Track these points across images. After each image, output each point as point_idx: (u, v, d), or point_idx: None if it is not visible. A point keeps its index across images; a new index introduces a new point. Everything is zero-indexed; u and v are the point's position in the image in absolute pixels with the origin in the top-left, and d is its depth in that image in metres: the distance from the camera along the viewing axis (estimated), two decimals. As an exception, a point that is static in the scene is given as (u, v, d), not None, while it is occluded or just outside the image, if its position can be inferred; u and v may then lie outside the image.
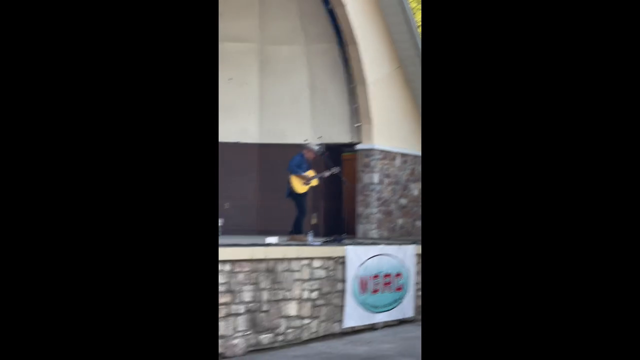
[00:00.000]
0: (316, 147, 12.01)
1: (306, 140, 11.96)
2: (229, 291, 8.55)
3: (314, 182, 11.39)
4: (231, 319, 8.55)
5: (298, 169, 11.13)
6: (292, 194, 11.27)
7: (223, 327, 8.38)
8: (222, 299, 8.37)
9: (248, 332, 8.80)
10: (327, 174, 11.77)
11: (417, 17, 17.79)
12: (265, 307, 9.06)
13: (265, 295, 9.06)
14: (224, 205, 13.26)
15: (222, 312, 8.37)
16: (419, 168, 15.07)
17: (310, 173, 11.23)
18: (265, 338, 9.05)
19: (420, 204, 14.83)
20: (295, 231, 11.27)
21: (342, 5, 13.18)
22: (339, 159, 13.21)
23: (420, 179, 15.18)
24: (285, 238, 10.89)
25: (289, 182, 11.22)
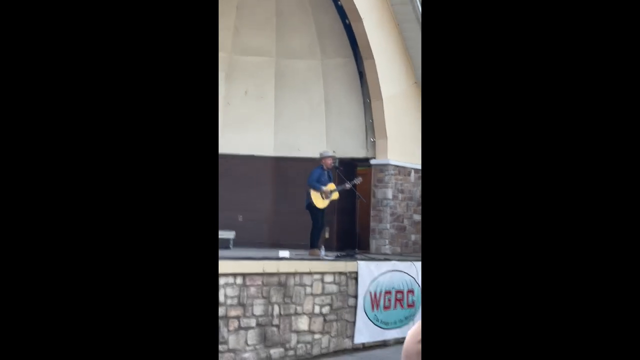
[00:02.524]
0: (332, 152, 12.06)
1: (322, 152, 11.96)
2: (240, 304, 8.57)
3: (335, 196, 11.38)
4: (242, 332, 8.58)
5: (318, 184, 11.12)
6: (310, 207, 11.27)
7: (234, 341, 8.42)
8: (233, 312, 8.43)
9: (258, 346, 8.80)
10: (348, 185, 11.75)
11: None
12: (276, 322, 9.07)
13: (276, 309, 9.07)
14: (238, 217, 13.31)
15: (232, 325, 8.42)
16: None
17: (331, 186, 11.22)
18: (275, 353, 9.04)
19: None
20: (311, 245, 11.29)
21: (359, 20, 13.22)
22: (353, 174, 13.18)
23: None
24: (296, 252, 10.87)
25: (308, 195, 11.25)
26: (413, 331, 1.59)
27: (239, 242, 12.33)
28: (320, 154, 11.76)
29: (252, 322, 8.72)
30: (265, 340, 8.89)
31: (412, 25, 13.96)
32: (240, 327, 8.54)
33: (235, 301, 8.50)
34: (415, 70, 14.49)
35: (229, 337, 8.37)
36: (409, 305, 11.02)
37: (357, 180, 12.13)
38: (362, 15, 13.15)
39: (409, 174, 14.45)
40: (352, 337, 10.06)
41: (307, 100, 14.81)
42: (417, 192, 14.61)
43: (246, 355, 8.57)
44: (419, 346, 1.56)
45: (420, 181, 14.65)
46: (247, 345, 8.62)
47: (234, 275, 8.49)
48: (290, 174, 13.98)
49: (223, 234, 11.09)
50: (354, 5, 13.05)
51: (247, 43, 14.46)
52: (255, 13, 14.37)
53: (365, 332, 10.25)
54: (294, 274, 9.35)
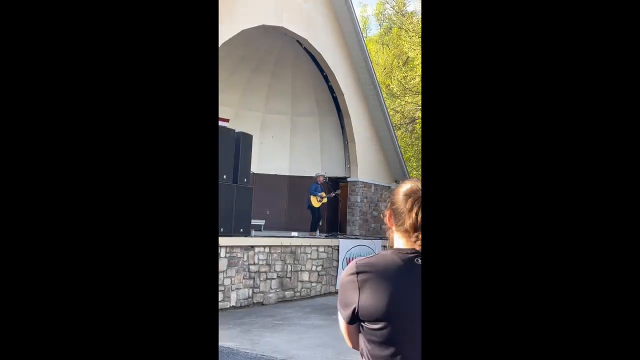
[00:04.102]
0: (323, 173, 12.13)
1: (317, 173, 12.01)
2: (267, 264, 8.53)
3: (325, 200, 11.33)
4: (268, 281, 8.54)
5: (315, 192, 11.09)
6: (310, 207, 11.20)
7: (263, 286, 8.39)
8: (262, 269, 8.42)
9: (278, 290, 8.78)
10: (333, 194, 11.69)
11: (387, 103, 17.78)
12: (289, 275, 9.04)
13: (289, 267, 9.05)
14: (266, 212, 13.35)
15: (262, 276, 8.40)
16: (385, 192, 15.04)
17: (323, 194, 11.17)
18: (288, 294, 9.04)
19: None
20: (311, 230, 11.25)
21: (341, 94, 13.21)
22: (336, 187, 13.24)
23: (385, 199, 15.15)
24: (302, 233, 10.88)
25: (309, 199, 11.15)
26: (346, 268, 1.34)
27: (267, 227, 12.29)
28: (316, 174, 11.71)
29: (274, 275, 8.70)
30: (282, 286, 8.87)
31: (373, 96, 13.99)
32: (267, 278, 8.52)
33: (264, 262, 8.46)
34: (375, 124, 14.43)
35: (260, 284, 8.33)
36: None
37: (338, 191, 12.13)
38: (343, 91, 13.14)
39: (371, 187, 14.46)
40: (335, 285, 10.04)
41: (309, 141, 14.68)
42: (375, 197, 14.61)
43: (270, 295, 8.58)
44: (347, 277, 1.32)
45: (376, 191, 14.69)
46: (271, 289, 8.61)
47: (264, 246, 8.49)
48: (298, 186, 13.92)
49: (257, 221, 11.12)
50: (338, 84, 13.00)
51: (274, 106, 14.49)
52: (279, 88, 14.34)
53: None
54: (300, 246, 9.35)
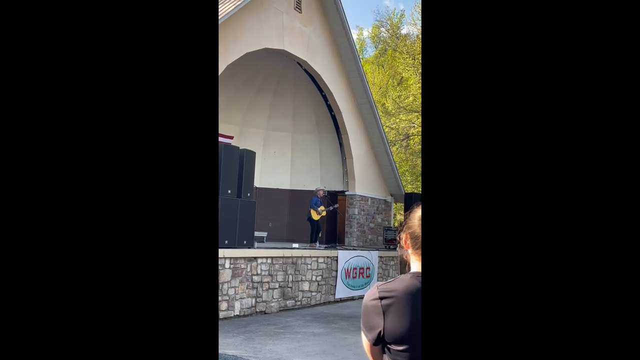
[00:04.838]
0: (323, 187, 12.11)
1: (317, 187, 12.01)
2: (270, 274, 8.52)
3: (324, 214, 11.30)
4: (270, 291, 8.53)
5: (315, 206, 11.06)
6: (310, 219, 11.16)
7: (265, 295, 8.38)
8: (265, 280, 8.40)
9: (280, 299, 8.76)
10: (331, 207, 11.69)
11: (383, 120, 17.81)
12: (290, 285, 9.02)
13: (290, 277, 9.03)
14: (269, 224, 13.33)
15: (265, 286, 8.38)
16: (381, 205, 15.05)
17: (322, 208, 11.14)
18: (290, 303, 9.02)
19: (382, 227, 14.82)
20: (311, 241, 11.21)
21: (339, 112, 13.29)
22: (335, 200, 13.25)
23: (381, 212, 15.16)
24: (302, 244, 10.86)
25: (309, 212, 11.12)
26: (369, 293, 1.35)
27: (269, 239, 12.28)
28: (316, 189, 11.71)
29: (276, 285, 8.69)
30: (283, 295, 8.85)
31: (369, 114, 14.07)
32: (269, 288, 8.51)
33: (266, 273, 8.45)
34: (371, 140, 14.48)
35: (263, 293, 8.33)
36: (367, 276, 10.96)
37: (337, 205, 12.12)
38: (340, 110, 13.22)
39: (367, 200, 14.47)
40: (334, 294, 10.02)
41: (309, 157, 14.71)
42: (372, 210, 14.61)
43: (272, 304, 8.56)
44: (370, 302, 1.33)
45: (373, 204, 14.70)
46: (273, 298, 8.60)
47: (266, 257, 8.49)
48: (299, 200, 13.92)
49: (259, 233, 11.10)
50: (336, 103, 13.10)
51: (276, 124, 14.54)
52: (281, 107, 14.41)
53: (341, 291, 10.20)
54: (301, 257, 9.32)
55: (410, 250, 1.38)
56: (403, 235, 1.41)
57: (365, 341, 1.36)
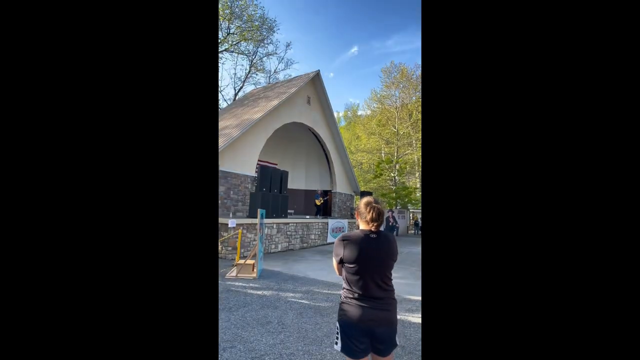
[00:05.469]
0: (320, 188, 12.31)
1: (317, 189, 12.30)
2: (295, 231, 7.78)
3: (322, 201, 11.46)
4: (295, 239, 7.88)
5: (317, 197, 11.35)
6: (315, 204, 11.38)
7: (292, 240, 7.69)
8: (292, 233, 7.64)
9: (300, 243, 8.08)
10: (325, 198, 11.76)
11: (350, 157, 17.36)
12: (305, 235, 8.28)
13: (305, 232, 8.31)
14: (294, 206, 13.38)
15: (292, 236, 7.63)
16: (349, 197, 14.58)
17: (320, 199, 11.35)
18: (305, 245, 8.29)
19: (350, 207, 14.56)
20: (315, 215, 11.21)
21: (328, 151, 12.85)
22: (327, 194, 13.39)
23: (349, 199, 14.74)
24: (312, 216, 10.33)
25: (314, 201, 11.37)
26: (338, 237, 1.31)
27: (295, 214, 11.99)
28: (317, 190, 12.00)
29: (298, 235, 7.96)
30: (302, 241, 8.12)
31: (343, 153, 13.79)
32: (295, 237, 7.79)
33: (293, 229, 7.89)
34: (343, 165, 14.28)
35: (292, 240, 7.50)
36: (342, 231, 10.51)
37: (327, 197, 12.15)
38: (329, 150, 13.05)
39: (342, 195, 13.90)
40: (326, 241, 9.22)
41: (314, 173, 14.53)
42: (345, 199, 14.18)
43: (296, 245, 7.55)
44: (338, 241, 1.28)
45: (347, 197, 14.36)
46: (296, 242, 7.76)
47: (293, 222, 7.84)
48: (309, 194, 13.91)
49: (289, 211, 11.15)
50: (327, 149, 12.49)
51: (297, 158, 13.61)
52: (299, 153, 13.39)
53: (330, 239, 9.39)
54: (310, 222, 8.65)
55: (359, 220, 1.39)
56: (355, 213, 1.43)
57: (334, 261, 1.36)
